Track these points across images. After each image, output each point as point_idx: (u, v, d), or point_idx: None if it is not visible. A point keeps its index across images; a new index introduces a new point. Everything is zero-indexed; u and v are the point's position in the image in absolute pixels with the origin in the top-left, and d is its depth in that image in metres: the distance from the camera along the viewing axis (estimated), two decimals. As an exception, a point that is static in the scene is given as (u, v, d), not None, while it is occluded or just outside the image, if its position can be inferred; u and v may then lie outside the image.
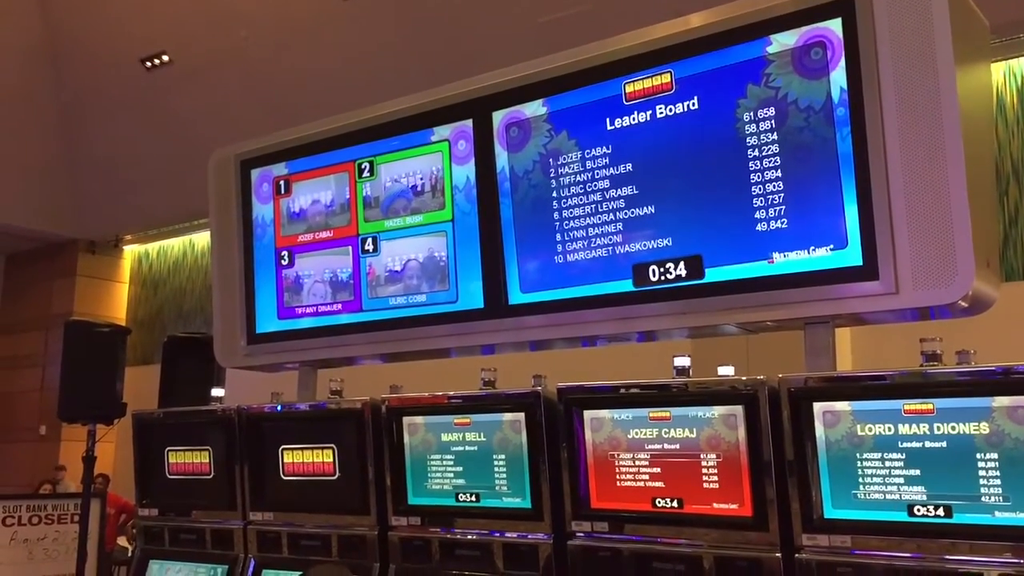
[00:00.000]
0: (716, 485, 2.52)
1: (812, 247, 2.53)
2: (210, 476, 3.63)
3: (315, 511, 3.31)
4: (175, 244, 12.74)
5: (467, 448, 3.00)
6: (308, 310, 3.62)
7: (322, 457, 3.32)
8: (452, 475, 3.03)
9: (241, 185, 3.83)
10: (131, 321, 12.78)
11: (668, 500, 2.60)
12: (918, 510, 2.22)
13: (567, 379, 2.83)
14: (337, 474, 3.28)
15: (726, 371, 2.61)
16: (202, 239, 12.06)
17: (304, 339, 3.63)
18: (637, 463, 2.66)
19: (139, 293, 13.14)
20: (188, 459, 3.71)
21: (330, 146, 3.57)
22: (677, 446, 2.59)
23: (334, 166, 3.56)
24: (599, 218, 2.92)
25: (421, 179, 3.33)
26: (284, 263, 3.70)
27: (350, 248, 3.51)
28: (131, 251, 13.28)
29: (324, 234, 3.58)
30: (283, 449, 3.42)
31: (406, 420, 3.13)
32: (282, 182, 3.72)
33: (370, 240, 3.46)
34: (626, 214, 2.87)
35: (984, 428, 2.14)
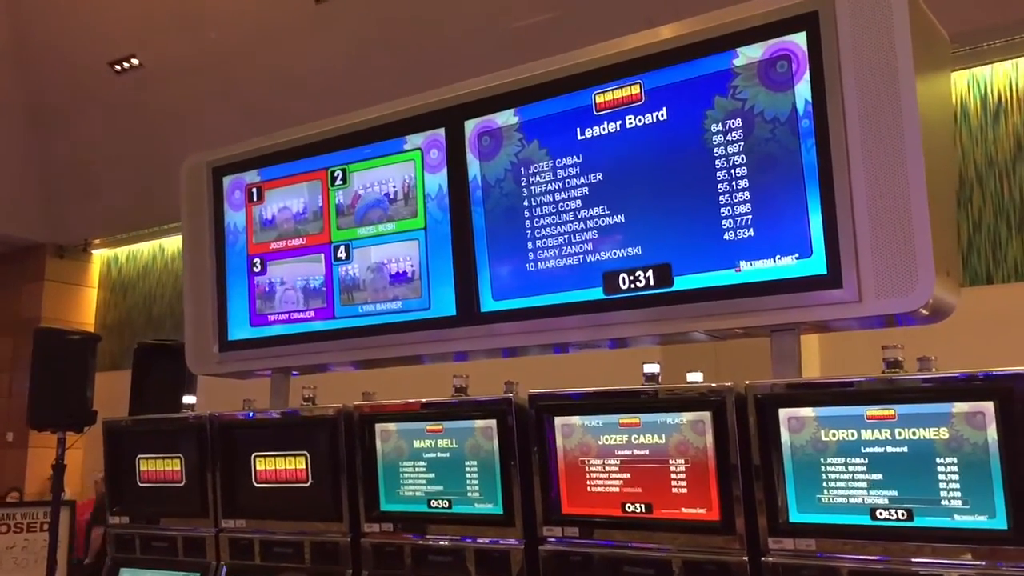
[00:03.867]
0: (684, 490, 2.56)
1: (778, 256, 2.58)
2: (182, 484, 3.62)
3: (288, 518, 3.32)
4: (144, 249, 12.62)
5: (439, 455, 3.02)
6: (280, 317, 3.63)
7: (295, 464, 3.32)
8: (424, 481, 3.05)
9: (213, 192, 3.83)
10: (100, 326, 12.65)
11: (638, 505, 2.64)
12: (880, 514, 2.27)
13: (540, 386, 2.86)
14: (310, 481, 3.29)
15: (695, 378, 2.66)
16: (172, 244, 11.97)
17: (276, 346, 3.63)
18: (607, 469, 2.70)
19: (108, 298, 13.01)
20: (159, 467, 3.70)
21: (302, 154, 3.59)
22: (646, 452, 2.63)
23: (306, 174, 3.58)
24: (570, 227, 2.96)
25: (394, 187, 3.35)
26: (256, 270, 3.70)
27: (322, 256, 3.52)
28: (100, 255, 13.15)
29: (296, 241, 3.59)
30: (255, 456, 3.42)
31: (378, 427, 3.15)
32: (254, 189, 3.72)
33: (343, 248, 3.47)
34: (596, 223, 2.91)
35: (944, 433, 2.19)
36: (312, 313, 3.54)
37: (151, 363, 4.58)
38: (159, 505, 3.70)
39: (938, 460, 2.19)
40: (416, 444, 3.07)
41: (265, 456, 3.40)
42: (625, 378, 2.80)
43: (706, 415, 2.53)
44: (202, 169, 3.87)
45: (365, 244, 3.42)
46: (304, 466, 3.30)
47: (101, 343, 5.40)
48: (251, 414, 3.50)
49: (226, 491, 3.49)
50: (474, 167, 3.15)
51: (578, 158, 2.95)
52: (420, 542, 3.05)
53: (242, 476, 3.45)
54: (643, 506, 2.63)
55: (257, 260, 3.70)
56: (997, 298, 6.58)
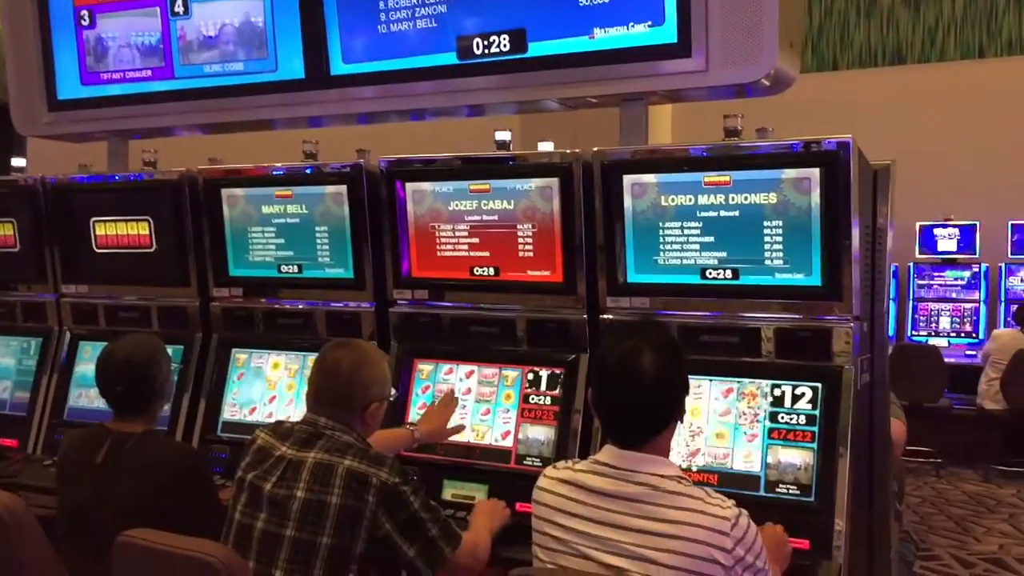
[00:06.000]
0: (531, 254, 2.65)
1: (631, 23, 2.56)
2: (16, 249, 3.47)
3: (133, 283, 3.27)
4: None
5: (289, 220, 2.99)
6: (115, 76, 3.40)
7: (137, 230, 3.23)
8: (274, 247, 3.03)
9: (28, -68, 3.45)
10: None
11: (486, 268, 2.71)
12: (710, 273, 2.42)
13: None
14: (154, 247, 3.21)
15: (545, 147, 2.68)
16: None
17: (112, 107, 3.42)
18: (457, 234, 2.74)
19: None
20: (-10, 232, 3.53)
21: None
22: (495, 217, 2.68)
23: (135, -86, 3.25)
24: (424, -14, 2.83)
25: (234, -66, 3.10)
26: (84, 24, 3.41)
27: (158, 9, 3.27)
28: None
29: (128, -8, 3.32)
30: (95, 221, 3.30)
31: (225, 192, 3.07)
32: (76, -69, 3.37)
33: (180, 1, 3.23)
34: (451, -18, 2.79)
35: (773, 199, 2.31)
36: (149, 72, 3.32)
37: (-27, 125, 4.25)
38: (-8, 272, 3.55)
39: (765, 224, 2.33)
40: (265, 210, 3.02)
41: (105, 221, 3.28)
42: (483, 151, 2.79)
43: (554, 181, 2.57)
44: (13, -95, 3.46)
45: (205, -2, 3.18)
46: (148, 232, 3.21)
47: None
48: (88, 178, 3.33)
49: (65, 257, 3.37)
50: (321, -85, 2.93)
51: (433, -89, 2.78)
52: (271, 306, 3.06)
53: (81, 242, 3.33)
54: (491, 269, 2.71)
55: (85, 12, 3.40)
56: (842, 84, 6.82)
